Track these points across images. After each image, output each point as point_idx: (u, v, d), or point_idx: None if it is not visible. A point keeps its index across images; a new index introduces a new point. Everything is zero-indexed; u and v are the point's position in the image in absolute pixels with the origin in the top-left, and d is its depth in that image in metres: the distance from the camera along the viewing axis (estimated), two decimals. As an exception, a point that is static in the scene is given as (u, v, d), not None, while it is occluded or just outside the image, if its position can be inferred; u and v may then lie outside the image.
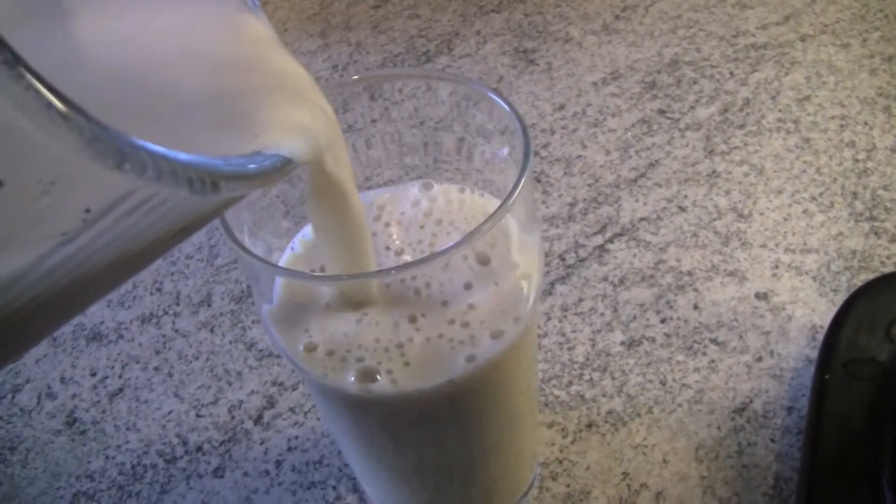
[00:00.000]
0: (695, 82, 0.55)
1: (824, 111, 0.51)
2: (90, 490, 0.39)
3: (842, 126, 0.50)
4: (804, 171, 0.48)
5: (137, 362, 0.44)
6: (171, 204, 0.13)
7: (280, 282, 0.25)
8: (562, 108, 0.54)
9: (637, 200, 0.48)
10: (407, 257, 0.27)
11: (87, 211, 0.12)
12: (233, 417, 0.40)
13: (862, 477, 0.31)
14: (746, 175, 0.48)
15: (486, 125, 0.27)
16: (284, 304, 0.25)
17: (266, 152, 0.16)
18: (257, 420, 0.40)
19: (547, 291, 0.43)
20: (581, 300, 0.43)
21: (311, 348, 0.24)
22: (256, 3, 0.20)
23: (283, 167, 0.16)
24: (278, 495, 0.37)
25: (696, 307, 0.42)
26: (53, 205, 0.12)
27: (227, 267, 0.48)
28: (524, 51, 0.60)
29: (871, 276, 0.41)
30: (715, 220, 0.46)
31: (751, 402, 0.37)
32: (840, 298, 0.39)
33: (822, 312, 0.40)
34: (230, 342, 0.44)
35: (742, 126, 0.51)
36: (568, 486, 0.36)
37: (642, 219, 0.46)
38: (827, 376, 0.34)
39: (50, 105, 0.10)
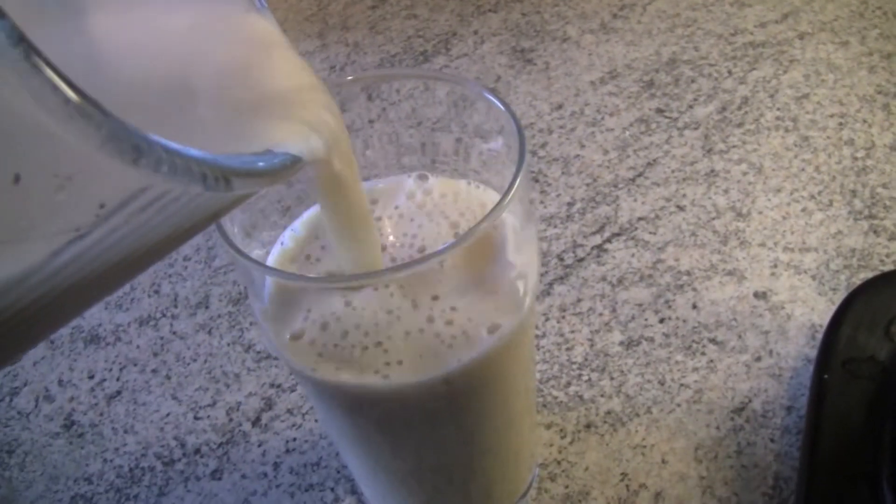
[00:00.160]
0: (693, 81, 0.55)
1: (823, 109, 0.51)
2: (88, 493, 0.39)
3: (841, 124, 0.50)
4: (803, 170, 0.48)
5: (135, 364, 0.44)
6: (184, 201, 0.13)
7: (270, 280, 0.25)
8: (560, 107, 0.54)
9: (635, 200, 0.47)
10: (400, 251, 0.27)
11: (102, 206, 0.13)
12: (231, 419, 0.40)
13: (861, 476, 0.31)
14: (745, 174, 0.48)
15: (483, 125, 0.27)
16: (274, 303, 0.25)
17: (275, 150, 0.17)
18: (255, 422, 0.40)
19: (545, 291, 0.43)
20: (579, 300, 0.43)
21: (298, 336, 0.24)
22: (264, 3, 0.20)
23: (291, 165, 0.17)
24: (276, 497, 0.37)
25: (694, 307, 0.41)
26: (69, 200, 0.12)
27: (225, 269, 0.48)
28: (522, 50, 0.60)
29: (870, 275, 0.40)
30: (713, 219, 0.46)
31: (750, 401, 0.37)
32: (839, 297, 0.39)
33: (822, 311, 0.40)
34: (228, 344, 0.44)
35: (740, 125, 0.51)
36: (566, 486, 0.35)
37: (641, 218, 0.46)
38: (826, 375, 0.34)
39: (68, 100, 0.11)
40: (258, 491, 0.37)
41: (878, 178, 0.47)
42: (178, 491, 0.38)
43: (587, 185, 0.49)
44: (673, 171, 0.49)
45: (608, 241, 0.45)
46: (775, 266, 0.43)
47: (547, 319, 0.42)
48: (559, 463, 0.36)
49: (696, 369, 0.39)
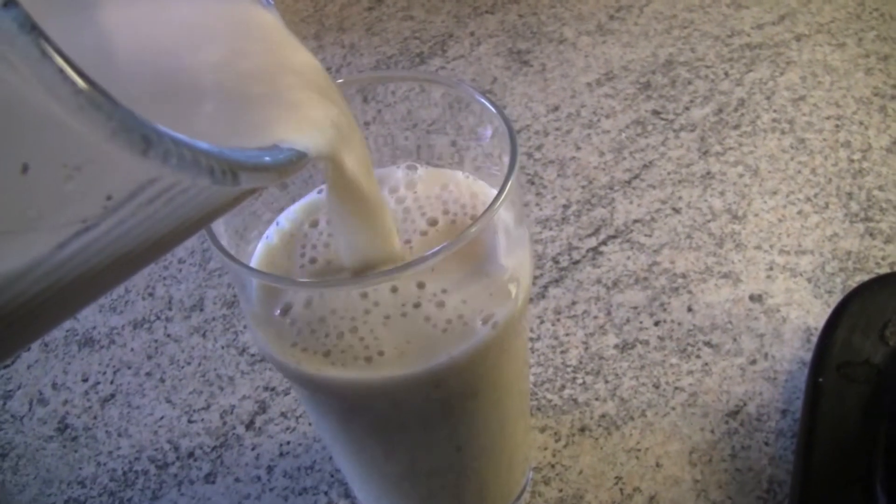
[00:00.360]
0: (689, 83, 0.55)
1: (819, 111, 0.51)
2: (81, 497, 0.38)
3: (837, 126, 0.50)
4: (799, 172, 0.48)
5: (129, 368, 0.44)
6: (191, 194, 0.13)
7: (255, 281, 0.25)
8: (556, 109, 0.54)
9: (631, 202, 0.47)
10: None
11: (109, 198, 0.13)
12: (224, 423, 0.40)
13: (856, 480, 0.31)
14: (741, 176, 0.48)
15: (477, 128, 0.27)
16: (261, 301, 0.25)
17: (281, 146, 0.17)
18: (249, 425, 0.40)
19: (540, 294, 0.43)
20: (574, 303, 0.42)
21: (287, 324, 0.24)
22: (270, 1, 0.20)
23: (297, 161, 0.17)
24: (270, 501, 0.37)
25: (689, 309, 0.41)
26: (77, 191, 0.12)
27: (220, 271, 0.48)
28: (518, 52, 0.60)
29: (865, 278, 0.40)
30: (709, 221, 0.46)
31: (745, 404, 0.37)
32: (835, 300, 0.39)
33: (817, 314, 0.40)
34: (222, 347, 0.44)
35: (737, 127, 0.51)
36: (560, 490, 0.35)
37: (636, 220, 0.46)
38: (821, 379, 0.34)
39: (79, 89, 0.11)
40: (252, 494, 0.37)
41: (875, 180, 0.46)
42: (172, 494, 0.38)
43: (583, 187, 0.49)
44: (669, 174, 0.49)
45: (603, 243, 0.45)
46: (771, 269, 0.43)
47: (542, 322, 0.42)
48: (553, 466, 0.36)
49: (690, 372, 0.39)
